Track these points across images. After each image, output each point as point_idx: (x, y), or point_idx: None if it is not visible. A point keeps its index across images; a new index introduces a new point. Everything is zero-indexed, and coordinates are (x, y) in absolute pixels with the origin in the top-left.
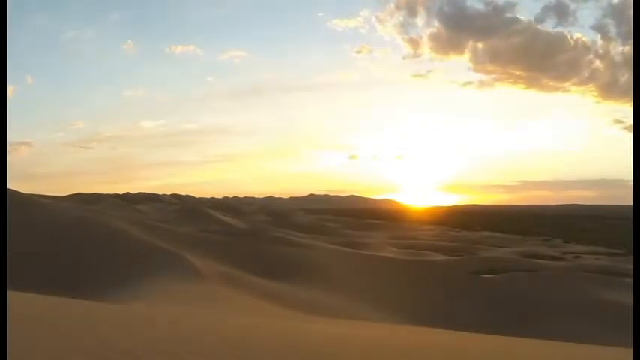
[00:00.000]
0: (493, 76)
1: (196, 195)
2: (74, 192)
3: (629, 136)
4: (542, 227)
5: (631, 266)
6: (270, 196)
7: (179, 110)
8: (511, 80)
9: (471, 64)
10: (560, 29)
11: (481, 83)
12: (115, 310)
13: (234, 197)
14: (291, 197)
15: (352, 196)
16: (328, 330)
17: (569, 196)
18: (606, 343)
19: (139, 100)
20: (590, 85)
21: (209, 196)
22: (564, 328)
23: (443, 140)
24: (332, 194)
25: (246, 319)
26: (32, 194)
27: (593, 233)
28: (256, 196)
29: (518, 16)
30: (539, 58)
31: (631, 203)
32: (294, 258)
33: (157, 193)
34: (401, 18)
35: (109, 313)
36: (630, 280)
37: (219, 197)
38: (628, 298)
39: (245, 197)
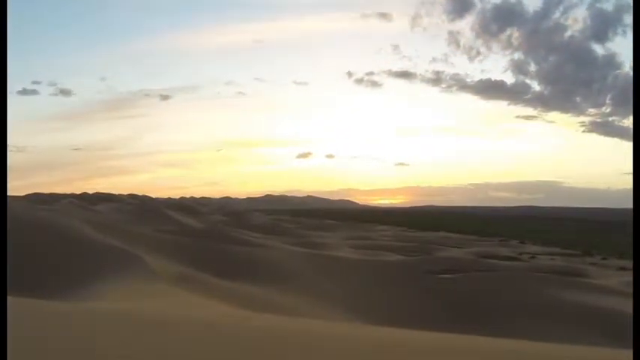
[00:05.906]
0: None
1: (153, 195)
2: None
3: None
4: (498, 228)
5: (586, 267)
6: (227, 197)
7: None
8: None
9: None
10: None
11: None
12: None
13: (191, 197)
14: (248, 197)
15: (309, 196)
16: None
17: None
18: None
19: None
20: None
21: (166, 197)
22: (520, 326)
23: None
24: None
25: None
26: None
27: (549, 234)
28: (213, 197)
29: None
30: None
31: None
32: (250, 258)
33: (114, 192)
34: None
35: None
36: (586, 281)
37: (176, 197)
38: (584, 298)
39: (202, 197)
